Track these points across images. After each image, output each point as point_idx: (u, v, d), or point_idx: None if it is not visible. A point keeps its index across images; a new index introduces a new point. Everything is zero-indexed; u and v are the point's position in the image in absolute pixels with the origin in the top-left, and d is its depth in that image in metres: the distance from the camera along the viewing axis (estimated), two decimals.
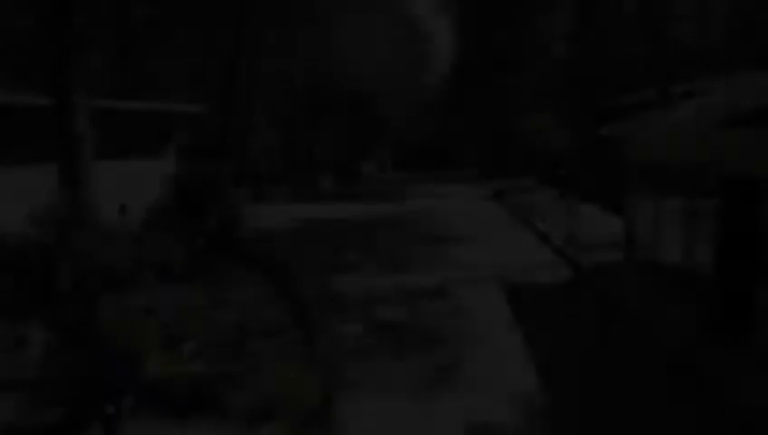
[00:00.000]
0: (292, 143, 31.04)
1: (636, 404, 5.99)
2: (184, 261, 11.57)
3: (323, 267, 12.29)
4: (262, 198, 22.00)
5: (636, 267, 11.13)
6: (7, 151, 10.38)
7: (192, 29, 21.91)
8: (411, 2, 51.18)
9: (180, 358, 5.73)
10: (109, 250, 5.13)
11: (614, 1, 29.01)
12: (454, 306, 9.38)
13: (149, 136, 11.10)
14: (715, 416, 5.70)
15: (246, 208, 19.11)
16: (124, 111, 9.74)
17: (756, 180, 6.89)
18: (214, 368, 5.87)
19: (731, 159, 6.93)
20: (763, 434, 5.38)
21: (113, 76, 25.23)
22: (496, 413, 5.84)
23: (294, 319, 9.07)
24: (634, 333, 8.01)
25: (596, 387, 6.40)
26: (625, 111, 23.77)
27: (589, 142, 18.40)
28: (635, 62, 45.36)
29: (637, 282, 10.18)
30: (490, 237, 15.21)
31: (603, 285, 10.11)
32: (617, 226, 14.67)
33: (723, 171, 7.25)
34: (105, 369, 4.59)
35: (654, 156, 10.04)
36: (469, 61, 39.83)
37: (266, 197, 22.34)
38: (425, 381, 6.63)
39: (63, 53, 6.95)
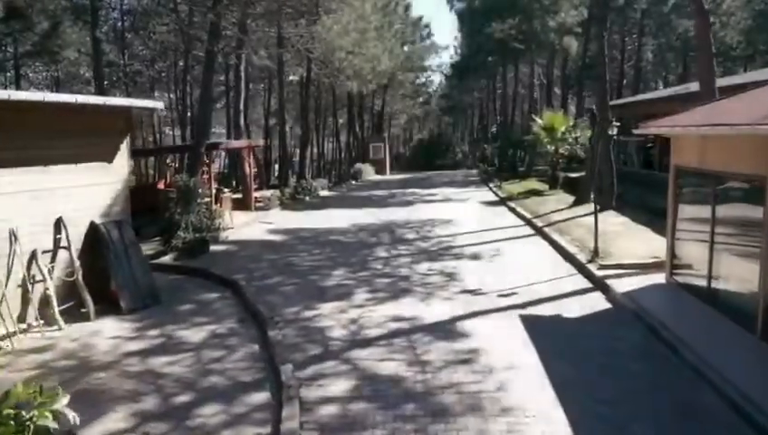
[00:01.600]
0: (284, 143, 29.04)
1: None
2: (136, 286, 9.60)
3: (306, 293, 10.31)
4: (249, 204, 20.03)
5: (683, 295, 9.17)
6: None
7: (172, 17, 19.93)
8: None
9: None
10: None
11: None
12: (466, 351, 7.40)
13: (94, 136, 9.09)
14: None
15: (228, 218, 17.19)
16: (54, 107, 7.76)
17: None
18: None
19: None
20: None
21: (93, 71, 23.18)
22: None
23: (263, 369, 7.10)
24: (703, 396, 6.04)
25: None
26: (650, 107, 21.81)
27: (608, 142, 16.42)
28: (642, 59, 43.41)
29: (690, 318, 8.22)
30: (502, 253, 13.23)
31: (649, 321, 8.12)
32: (651, 240, 12.70)
33: None
34: None
35: (713, 158, 8.08)
36: (472, 56, 37.92)
37: (254, 202, 20.37)
38: None
39: None
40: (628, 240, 12.80)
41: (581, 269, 11.33)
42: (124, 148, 9.84)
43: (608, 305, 9.33)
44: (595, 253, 11.52)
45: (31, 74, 37.86)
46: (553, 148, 22.98)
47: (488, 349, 7.42)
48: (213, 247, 14.04)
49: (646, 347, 7.51)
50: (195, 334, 8.31)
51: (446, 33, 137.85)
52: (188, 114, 35.66)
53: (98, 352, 7.67)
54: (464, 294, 10.06)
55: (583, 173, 25.67)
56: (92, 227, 9.37)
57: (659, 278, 10.08)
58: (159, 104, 10.17)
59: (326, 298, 9.93)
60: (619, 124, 10.81)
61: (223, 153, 35.92)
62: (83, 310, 8.94)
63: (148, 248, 13.70)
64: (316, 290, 10.49)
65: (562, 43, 28.64)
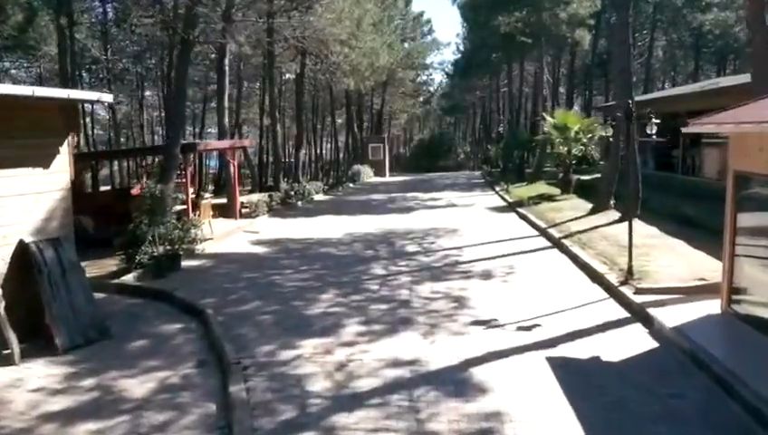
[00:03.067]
0: (276, 144, 27.33)
1: None
2: (75, 319, 7.88)
3: (287, 324, 8.59)
4: (234, 211, 18.30)
5: (748, 332, 7.43)
6: None
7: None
8: None
9: None
10: None
11: None
12: (483, 416, 5.67)
13: (25, 136, 7.40)
14: None
15: (208, 227, 15.46)
16: None
17: None
18: None
19: None
20: None
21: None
22: None
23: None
24: None
25: None
26: (674, 103, 20.08)
27: (634, 141, 14.66)
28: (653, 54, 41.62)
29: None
30: (517, 271, 11.50)
31: (715, 370, 6.38)
32: (689, 255, 11.00)
33: None
34: None
35: None
36: (475, 51, 36.17)
37: (240, 208, 18.64)
38: None
39: None
40: (664, 256, 11.06)
41: (613, 293, 9.61)
42: (65, 150, 8.12)
43: (654, 344, 7.59)
44: (629, 272, 9.79)
45: (13, 71, 36.24)
46: (566, 149, 21.22)
47: (513, 413, 5.69)
48: (186, 263, 12.35)
49: (719, 411, 5.76)
50: (140, 385, 6.56)
51: (447, 29, 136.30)
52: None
53: (9, 414, 5.94)
54: (475, 326, 8.33)
55: (596, 175, 23.99)
56: (21, 247, 7.63)
57: (712, 307, 8.34)
58: (107, 97, 8.44)
59: (310, 332, 8.20)
60: (658, 121, 9.11)
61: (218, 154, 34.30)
62: (6, 351, 7.20)
63: (111, 264, 12.07)
64: (299, 320, 8.77)
65: (574, 36, 26.87)
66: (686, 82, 42.27)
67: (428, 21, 50.46)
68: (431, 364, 6.95)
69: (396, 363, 6.98)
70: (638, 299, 8.91)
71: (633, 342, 7.63)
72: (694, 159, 19.09)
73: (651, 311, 8.35)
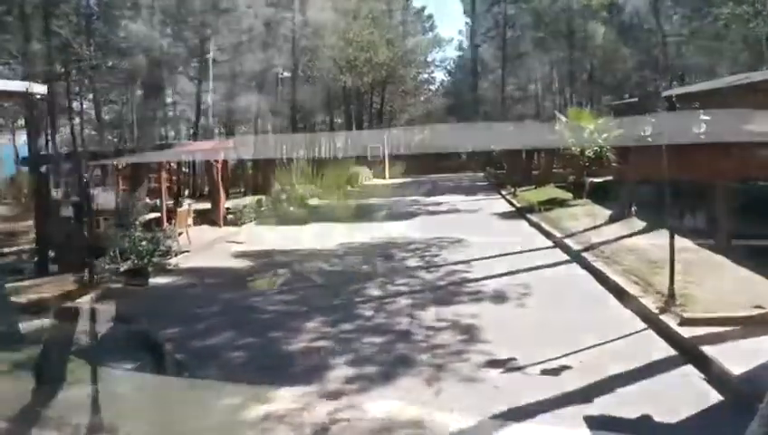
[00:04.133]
0: (268, 145, 25.84)
1: None
2: None
3: (260, 363, 7.08)
4: (219, 218, 16.80)
5: None
6: None
7: None
8: None
9: None
10: None
11: None
12: None
13: None
14: None
15: (185, 237, 13.96)
16: None
17: None
18: None
19: None
20: None
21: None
22: None
23: None
24: None
25: None
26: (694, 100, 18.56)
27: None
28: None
29: None
30: (533, 291, 9.94)
31: None
32: (738, 277, 9.47)
33: None
34: None
35: None
36: (479, 46, 34.72)
37: (225, 215, 17.15)
38: None
39: None
40: (706, 276, 9.50)
41: (653, 322, 8.05)
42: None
43: (716, 396, 6.01)
44: (670, 297, 8.25)
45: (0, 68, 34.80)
46: (579, 150, 19.67)
47: None
48: (155, 280, 10.88)
49: None
50: None
51: (450, 26, 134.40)
52: (171, 113, 32.63)
53: None
54: (490, 368, 6.79)
55: (609, 178, 22.38)
56: None
57: None
58: (40, 88, 6.94)
59: (287, 376, 6.68)
60: (707, 118, 7.62)
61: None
62: None
63: (71, 282, 10.59)
64: (275, 359, 7.25)
65: (587, 30, 25.42)
66: (692, 80, 40.64)
67: (430, 17, 48.71)
68: (437, 429, 5.42)
69: (391, 427, 5.45)
70: (686, 332, 7.37)
71: (689, 393, 6.08)
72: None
73: (706, 349, 6.80)
